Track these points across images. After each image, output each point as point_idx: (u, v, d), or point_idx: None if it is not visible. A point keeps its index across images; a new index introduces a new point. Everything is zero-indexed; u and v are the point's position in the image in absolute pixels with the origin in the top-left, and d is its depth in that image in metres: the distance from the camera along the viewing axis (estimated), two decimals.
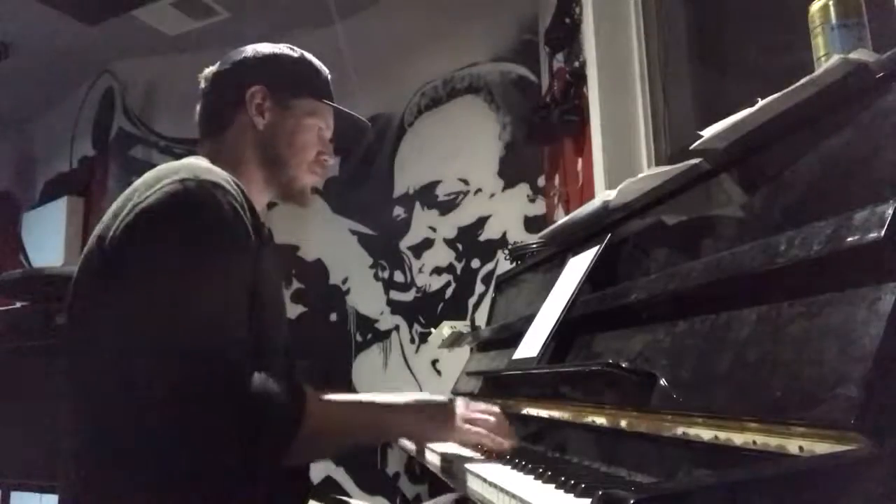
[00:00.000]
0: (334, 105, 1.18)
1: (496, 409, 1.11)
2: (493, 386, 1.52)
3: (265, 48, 1.16)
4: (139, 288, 0.85)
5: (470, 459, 1.06)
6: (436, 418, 1.06)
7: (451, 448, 1.15)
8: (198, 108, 1.16)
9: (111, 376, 0.85)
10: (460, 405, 1.09)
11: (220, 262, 0.88)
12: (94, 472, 0.89)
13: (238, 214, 0.91)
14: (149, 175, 0.94)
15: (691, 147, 0.95)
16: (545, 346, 1.15)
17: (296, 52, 1.18)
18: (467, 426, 1.04)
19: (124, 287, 0.86)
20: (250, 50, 1.16)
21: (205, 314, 0.84)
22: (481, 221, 3.02)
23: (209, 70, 1.16)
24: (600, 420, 0.93)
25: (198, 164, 0.96)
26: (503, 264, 2.58)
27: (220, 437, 0.81)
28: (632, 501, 0.46)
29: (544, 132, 2.51)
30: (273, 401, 0.84)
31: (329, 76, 1.20)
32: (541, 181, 2.80)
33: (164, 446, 0.81)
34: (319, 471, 3.18)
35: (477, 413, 1.07)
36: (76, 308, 0.93)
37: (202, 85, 1.16)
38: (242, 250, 0.91)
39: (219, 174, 0.94)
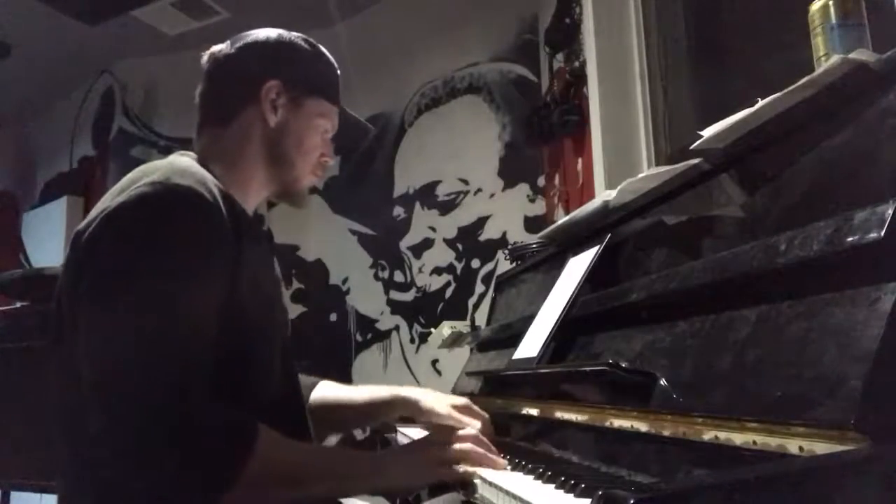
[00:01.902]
0: (345, 109, 1.15)
1: (476, 424, 0.99)
2: (492, 386, 1.52)
3: (282, 38, 1.09)
4: (96, 294, 0.83)
5: None
6: (409, 463, 0.92)
7: None
8: (200, 89, 1.08)
9: (76, 380, 0.83)
10: (431, 442, 0.94)
11: (179, 271, 0.83)
12: (77, 475, 0.88)
13: (208, 221, 0.87)
14: (128, 176, 0.91)
15: (691, 147, 0.95)
16: (545, 346, 1.15)
17: (311, 46, 1.11)
18: (448, 472, 0.91)
19: (85, 292, 0.84)
20: (265, 37, 1.08)
21: (152, 329, 0.79)
22: (481, 221, 3.02)
23: (218, 50, 1.08)
24: (600, 420, 0.93)
25: (177, 165, 0.91)
26: (503, 264, 2.58)
27: (154, 461, 0.76)
28: (632, 501, 0.46)
29: (544, 132, 2.51)
30: (214, 439, 0.78)
31: (339, 71, 1.16)
32: (541, 181, 2.80)
33: (110, 459, 0.78)
34: None
35: (456, 448, 0.93)
36: (57, 313, 0.91)
37: (207, 64, 1.07)
38: (207, 258, 0.86)
39: (196, 177, 0.89)
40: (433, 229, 3.20)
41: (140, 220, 0.84)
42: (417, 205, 3.27)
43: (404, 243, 3.30)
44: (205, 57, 1.08)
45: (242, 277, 0.92)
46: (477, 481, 0.89)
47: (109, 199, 0.88)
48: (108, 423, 0.78)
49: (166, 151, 4.09)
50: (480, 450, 0.94)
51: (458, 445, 0.93)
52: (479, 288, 2.98)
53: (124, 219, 0.84)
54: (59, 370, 0.91)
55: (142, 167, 0.93)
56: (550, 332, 1.16)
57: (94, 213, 0.89)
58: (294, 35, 1.12)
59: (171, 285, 0.82)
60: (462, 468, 0.91)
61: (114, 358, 0.79)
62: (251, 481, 0.78)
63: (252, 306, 0.93)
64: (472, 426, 1.08)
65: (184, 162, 0.95)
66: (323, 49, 1.14)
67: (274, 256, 1.13)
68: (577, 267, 1.23)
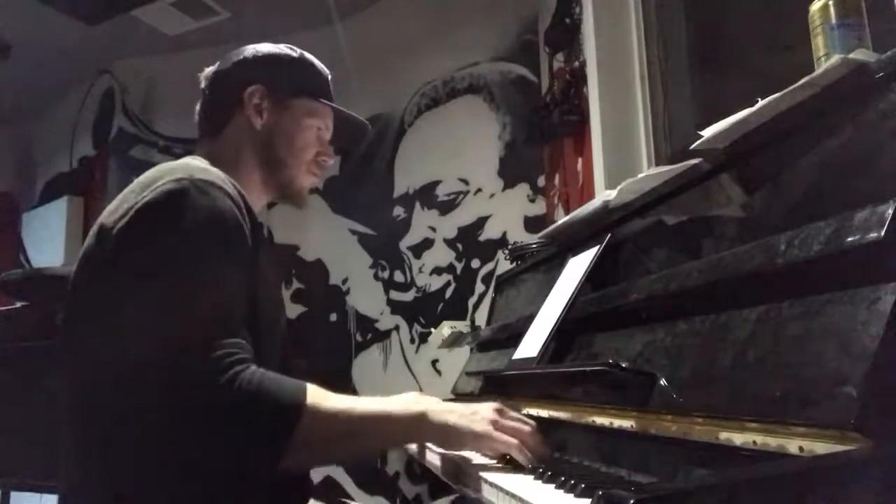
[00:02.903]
0: (333, 106, 1.18)
1: (531, 421, 0.97)
2: (492, 386, 1.52)
3: (265, 48, 1.16)
4: (133, 286, 0.85)
5: (470, 461, 1.05)
6: (461, 423, 0.91)
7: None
8: (197, 107, 1.16)
9: (103, 374, 0.84)
10: (487, 409, 0.95)
11: (217, 261, 0.87)
12: (89, 473, 0.89)
13: (234, 214, 0.91)
14: (146, 175, 0.94)
15: (691, 147, 0.95)
16: (545, 346, 1.15)
17: (295, 51, 1.17)
18: (497, 434, 0.91)
19: (119, 285, 0.86)
20: (250, 50, 1.15)
21: (199, 311, 0.83)
22: (481, 221, 3.02)
23: (209, 70, 1.16)
24: (600, 420, 0.93)
25: (194, 165, 0.96)
26: (503, 264, 2.58)
27: (209, 439, 0.79)
28: (632, 501, 0.46)
29: (544, 132, 2.51)
30: (267, 400, 0.81)
31: (329, 76, 1.20)
32: (541, 181, 2.80)
33: (153, 447, 0.80)
34: (319, 471, 3.18)
35: (509, 421, 0.94)
36: (74, 306, 0.93)
37: (202, 84, 1.16)
38: (238, 250, 0.90)
39: (215, 174, 0.94)
40: (433, 229, 3.20)
41: (173, 213, 0.88)
42: (417, 205, 3.27)
43: (404, 243, 3.30)
44: (200, 79, 1.16)
45: (256, 274, 0.95)
46: (483, 484, 0.89)
47: (133, 196, 0.90)
48: (164, 402, 0.79)
49: (166, 151, 4.07)
50: (528, 429, 0.94)
51: (520, 426, 0.93)
52: (479, 288, 2.98)
53: (157, 213, 0.88)
54: (71, 362, 0.92)
55: (159, 167, 0.96)
56: (550, 332, 1.16)
57: (119, 208, 0.91)
58: (280, 45, 1.17)
59: (210, 270, 0.86)
60: (515, 441, 0.90)
61: (168, 338, 0.81)
62: (303, 440, 0.81)
63: (262, 304, 0.96)
64: None
65: (199, 162, 1.00)
66: (310, 56, 1.19)
67: (274, 258, 1.14)
68: (577, 267, 1.23)
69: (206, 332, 0.82)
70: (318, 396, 0.85)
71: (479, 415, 0.93)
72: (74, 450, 0.91)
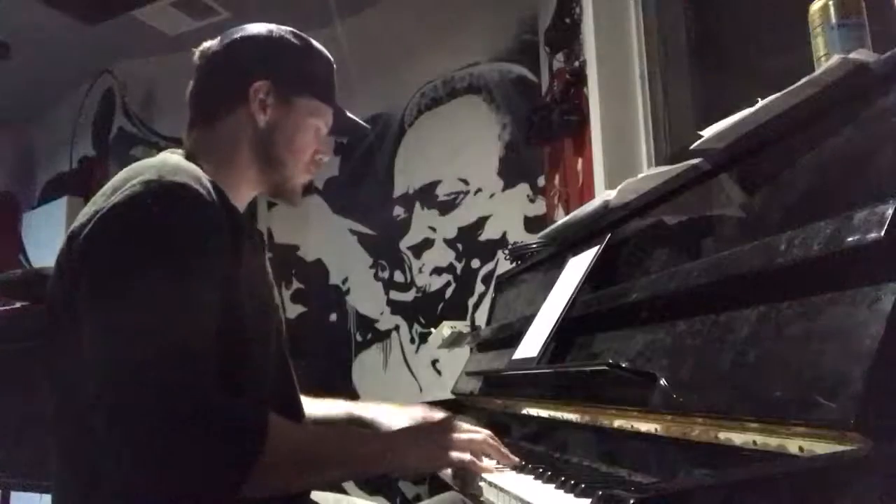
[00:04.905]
0: (337, 108, 1.14)
1: (486, 431, 0.99)
2: (492, 386, 1.52)
3: (272, 35, 1.09)
4: (98, 295, 0.82)
5: None
6: (421, 446, 0.93)
7: None
8: (190, 87, 1.07)
9: (73, 381, 0.83)
10: (440, 426, 0.96)
11: (179, 267, 0.83)
12: (71, 475, 0.88)
13: (205, 216, 0.87)
14: (118, 176, 0.91)
15: (691, 147, 0.95)
16: (545, 346, 1.15)
17: (301, 40, 1.11)
18: (451, 453, 0.92)
19: (87, 293, 0.83)
20: (254, 34, 1.08)
21: (158, 325, 0.79)
22: (481, 221, 3.02)
23: (209, 47, 1.08)
24: (600, 420, 0.93)
25: (169, 164, 0.91)
26: (503, 264, 2.58)
27: (167, 457, 0.76)
28: (632, 501, 0.46)
29: (544, 132, 2.51)
30: (228, 427, 0.79)
31: (334, 65, 1.14)
32: (541, 181, 2.80)
33: (117, 457, 0.78)
34: None
35: (463, 434, 0.95)
36: (50, 312, 0.90)
37: (197, 61, 1.07)
38: (207, 253, 0.86)
39: (189, 173, 0.89)
40: (433, 229, 3.20)
41: (137, 219, 0.84)
42: (417, 205, 3.27)
43: (404, 243, 3.30)
44: (196, 54, 1.08)
45: (238, 273, 0.92)
46: (482, 484, 0.89)
47: (102, 200, 0.87)
48: (121, 425, 0.77)
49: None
50: (494, 443, 0.96)
51: (473, 436, 0.95)
52: (479, 288, 2.98)
53: (121, 218, 0.84)
54: (53, 369, 0.91)
55: (133, 166, 0.92)
56: (550, 332, 1.16)
57: (87, 213, 0.88)
58: (284, 30, 1.11)
59: (173, 281, 0.82)
60: (468, 457, 0.91)
61: (122, 357, 0.79)
62: (266, 467, 0.79)
63: (247, 303, 0.93)
64: None
65: (174, 159, 0.95)
66: (315, 43, 1.13)
67: (265, 254, 1.12)
68: (577, 267, 1.23)
69: (160, 350, 0.78)
70: (279, 424, 0.83)
71: (432, 435, 0.94)
72: (59, 451, 0.90)
